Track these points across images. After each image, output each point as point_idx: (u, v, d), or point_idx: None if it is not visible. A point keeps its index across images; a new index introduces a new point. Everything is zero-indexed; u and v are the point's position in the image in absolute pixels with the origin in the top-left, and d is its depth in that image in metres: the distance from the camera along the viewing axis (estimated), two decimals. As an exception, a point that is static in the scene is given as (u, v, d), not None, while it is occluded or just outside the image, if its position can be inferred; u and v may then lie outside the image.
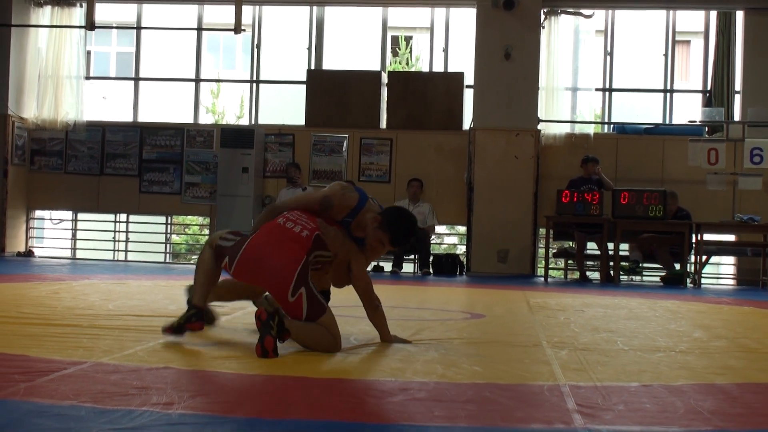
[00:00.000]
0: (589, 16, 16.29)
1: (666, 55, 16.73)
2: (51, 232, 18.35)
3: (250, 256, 5.79)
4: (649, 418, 4.15)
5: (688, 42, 22.99)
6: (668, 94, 16.68)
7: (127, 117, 17.82)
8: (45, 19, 17.19)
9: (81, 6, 17.06)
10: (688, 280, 14.67)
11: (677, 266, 14.76)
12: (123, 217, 17.71)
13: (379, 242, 6.08)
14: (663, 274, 15.01)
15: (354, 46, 21.07)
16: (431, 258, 15.71)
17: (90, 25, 13.75)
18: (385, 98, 16.64)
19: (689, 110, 17.24)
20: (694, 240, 14.73)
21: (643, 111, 18.66)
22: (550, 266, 15.53)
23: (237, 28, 13.11)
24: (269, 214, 6.15)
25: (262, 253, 5.77)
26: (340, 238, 6.05)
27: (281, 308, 5.73)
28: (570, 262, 16.11)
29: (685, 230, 14.57)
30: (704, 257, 14.98)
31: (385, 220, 6.02)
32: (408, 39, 24.73)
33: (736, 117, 16.09)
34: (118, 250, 17.71)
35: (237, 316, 7.37)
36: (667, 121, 16.56)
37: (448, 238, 19.98)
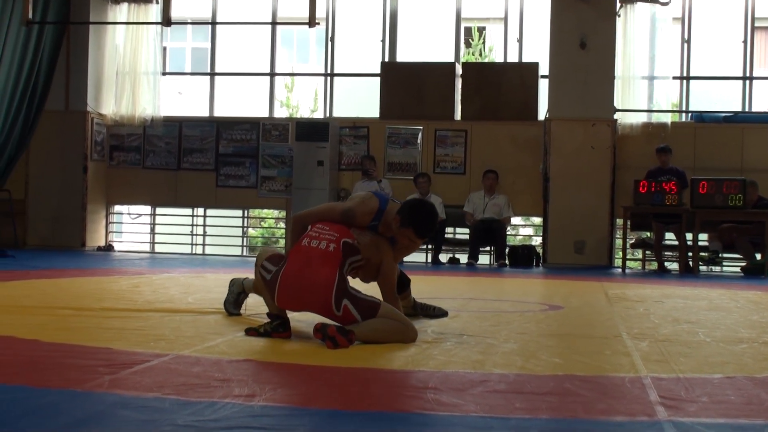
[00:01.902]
0: (666, 4, 16.07)
1: (745, 41, 16.47)
2: (130, 227, 18.59)
3: (286, 288, 5.88)
4: (735, 411, 4.08)
5: (767, 28, 22.61)
6: (747, 82, 16.42)
7: (203, 112, 17.99)
8: (122, 16, 17.40)
9: (157, 2, 17.23)
10: (770, 270, 14.45)
11: (758, 256, 14.54)
12: (200, 211, 17.88)
13: (408, 239, 6.17)
14: (743, 264, 14.80)
15: (427, 37, 21.03)
16: (507, 250, 15.66)
17: (166, 21, 13.90)
18: (460, 89, 16.58)
19: (769, 97, 16.98)
20: (775, 229, 14.51)
21: (722, 99, 18.39)
22: (627, 257, 15.40)
23: (311, 22, 13.17)
24: (298, 225, 6.21)
25: (296, 283, 5.86)
26: (374, 243, 6.14)
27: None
28: (648, 252, 15.93)
29: (766, 219, 14.34)
30: (786, 247, 14.74)
31: (403, 218, 6.07)
32: (481, 30, 24.62)
33: (818, 104, 15.82)
34: (196, 244, 17.89)
35: (315, 308, 7.40)
36: (747, 109, 16.31)
37: (524, 230, 19.88)
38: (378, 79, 16.83)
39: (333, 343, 5.44)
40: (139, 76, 17.19)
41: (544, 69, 16.25)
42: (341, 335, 5.47)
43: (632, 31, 15.97)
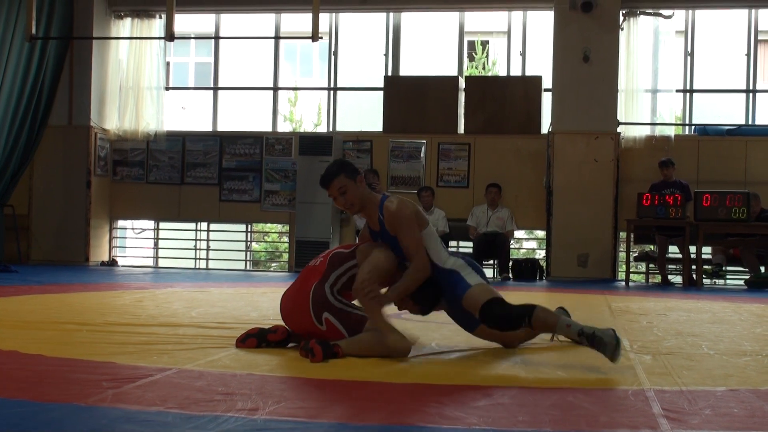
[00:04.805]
0: (669, 17, 16.09)
1: (748, 54, 16.46)
2: (133, 241, 18.60)
3: (282, 308, 6.11)
4: (738, 423, 4.09)
5: (770, 41, 22.63)
6: (751, 95, 16.41)
7: (206, 126, 18.00)
8: (125, 31, 17.44)
9: (160, 17, 17.28)
10: (774, 283, 14.43)
11: (762, 269, 14.53)
12: (203, 225, 17.88)
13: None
14: (747, 277, 14.78)
15: (431, 51, 21.05)
16: (510, 263, 15.65)
17: (169, 36, 13.88)
18: (463, 103, 16.58)
19: (772, 110, 16.96)
20: (779, 242, 14.49)
21: (725, 112, 18.38)
22: (631, 270, 15.38)
23: (314, 36, 13.16)
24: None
25: (284, 302, 6.08)
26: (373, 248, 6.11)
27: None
28: (651, 265, 15.92)
29: (770, 232, 14.33)
30: (790, 259, 14.73)
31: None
32: (484, 43, 24.66)
33: (821, 116, 15.80)
34: (200, 258, 17.88)
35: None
36: (750, 122, 16.31)
37: (527, 243, 19.87)
38: (381, 93, 16.83)
39: (309, 353, 5.45)
40: (142, 90, 17.21)
41: (547, 82, 16.24)
42: (318, 345, 5.47)
43: (635, 45, 15.98)
